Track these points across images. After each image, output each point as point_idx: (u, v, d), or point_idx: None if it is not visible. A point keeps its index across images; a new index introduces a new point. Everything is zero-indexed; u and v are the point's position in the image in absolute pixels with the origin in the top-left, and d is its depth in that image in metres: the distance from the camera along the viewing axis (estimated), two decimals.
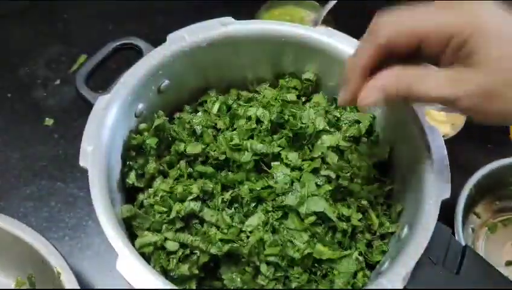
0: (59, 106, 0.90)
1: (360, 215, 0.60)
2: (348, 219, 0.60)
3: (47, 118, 0.88)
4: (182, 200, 0.60)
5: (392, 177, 0.66)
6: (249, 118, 0.66)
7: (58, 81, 0.93)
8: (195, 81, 0.71)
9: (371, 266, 0.60)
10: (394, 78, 0.45)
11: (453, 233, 0.71)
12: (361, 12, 1.01)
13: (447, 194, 0.54)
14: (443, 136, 0.84)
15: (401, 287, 0.49)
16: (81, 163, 0.54)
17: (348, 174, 0.61)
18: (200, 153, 0.63)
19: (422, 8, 0.44)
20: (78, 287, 0.61)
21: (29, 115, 0.90)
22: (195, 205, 0.58)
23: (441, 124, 0.86)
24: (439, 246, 0.54)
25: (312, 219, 0.58)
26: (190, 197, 0.59)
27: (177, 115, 0.70)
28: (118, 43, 0.68)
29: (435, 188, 0.55)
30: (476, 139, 0.88)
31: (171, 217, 0.57)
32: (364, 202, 0.61)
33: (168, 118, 0.68)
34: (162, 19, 1.02)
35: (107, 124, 0.57)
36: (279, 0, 1.00)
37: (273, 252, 0.56)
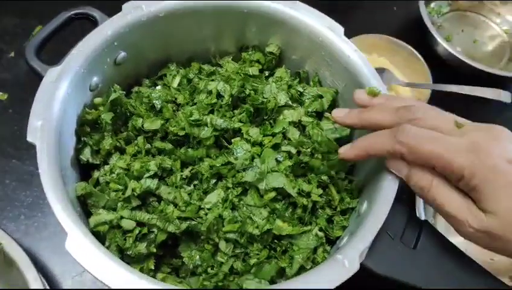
0: (14, 80, 0.86)
1: (321, 191, 0.60)
2: (308, 195, 0.59)
3: (1, 93, 0.84)
4: (139, 178, 0.58)
5: None
6: (210, 93, 0.64)
7: (12, 54, 0.89)
8: (154, 53, 0.68)
9: (332, 241, 0.60)
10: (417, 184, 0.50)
11: (415, 206, 0.72)
12: None
13: None
14: None
15: (358, 263, 0.49)
16: (29, 138, 0.51)
17: (309, 149, 0.60)
18: (159, 129, 0.61)
19: (445, 138, 0.47)
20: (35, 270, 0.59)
21: None
22: (152, 183, 0.56)
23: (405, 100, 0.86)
24: (398, 222, 0.54)
25: (272, 194, 0.57)
26: (147, 175, 0.57)
27: (135, 89, 0.68)
28: (71, 13, 0.64)
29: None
30: None
31: (126, 195, 0.55)
32: (324, 178, 0.60)
33: (125, 92, 0.66)
34: None
35: (58, 97, 0.54)
36: None
37: (232, 229, 0.55)
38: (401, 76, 0.88)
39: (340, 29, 0.63)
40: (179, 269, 0.59)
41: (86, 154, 0.60)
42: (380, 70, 0.86)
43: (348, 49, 0.62)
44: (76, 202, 0.56)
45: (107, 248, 0.55)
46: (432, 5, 1.00)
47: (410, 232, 0.54)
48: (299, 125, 0.64)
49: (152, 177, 0.57)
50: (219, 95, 0.64)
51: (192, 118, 0.61)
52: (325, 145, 0.61)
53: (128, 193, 0.55)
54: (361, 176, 0.63)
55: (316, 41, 0.64)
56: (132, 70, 0.67)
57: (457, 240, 0.78)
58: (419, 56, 0.87)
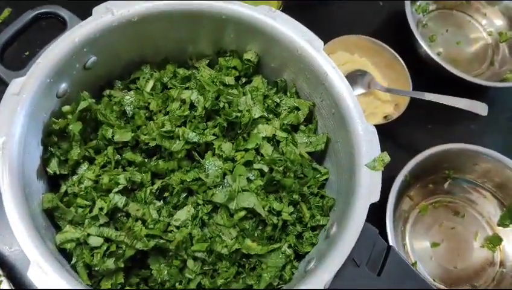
0: None
1: (291, 209, 0.60)
2: (278, 213, 0.59)
3: None
4: (108, 191, 0.57)
5: (328, 167, 0.65)
6: (183, 102, 0.63)
7: None
8: (127, 55, 0.65)
9: (301, 256, 0.61)
10: None
11: (385, 216, 0.73)
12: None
13: (376, 198, 0.54)
14: (386, 116, 0.84)
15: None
16: None
17: (281, 167, 0.59)
18: (130, 140, 0.60)
19: None
20: None
21: None
22: (120, 200, 0.55)
23: (385, 104, 0.86)
24: (365, 247, 0.54)
25: (241, 214, 0.57)
26: (116, 189, 0.56)
27: (106, 92, 0.65)
28: (37, 12, 0.60)
29: (364, 191, 0.54)
30: (418, 121, 0.88)
31: (93, 213, 0.54)
32: (296, 196, 0.60)
33: (96, 96, 0.63)
34: None
35: (21, 111, 0.52)
36: None
37: (201, 249, 0.56)
38: (381, 78, 0.87)
39: (320, 43, 0.61)
40: (147, 279, 0.59)
41: (53, 167, 0.58)
42: (361, 74, 0.85)
43: (327, 65, 0.60)
44: (43, 215, 0.55)
45: (75, 264, 0.54)
46: (418, 2, 0.98)
47: (375, 258, 0.55)
48: (273, 139, 0.63)
49: (121, 192, 0.56)
50: (192, 106, 0.62)
51: (164, 129, 0.60)
52: (297, 163, 0.61)
53: (96, 211, 0.54)
54: (333, 192, 0.63)
55: (295, 53, 0.62)
56: (103, 72, 0.64)
57: (424, 245, 0.81)
58: (401, 60, 0.85)
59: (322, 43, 0.61)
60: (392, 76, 0.87)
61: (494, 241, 0.81)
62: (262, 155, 0.61)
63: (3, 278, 0.60)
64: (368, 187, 0.54)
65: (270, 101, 0.66)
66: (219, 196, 0.56)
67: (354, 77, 0.85)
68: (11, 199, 0.48)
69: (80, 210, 0.55)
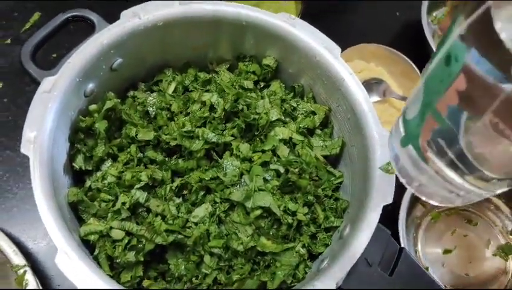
0: (10, 68, 0.85)
1: (306, 210, 0.62)
2: (293, 214, 0.61)
3: None
4: (131, 187, 0.59)
5: (342, 171, 0.67)
6: (204, 104, 0.65)
7: (9, 40, 0.87)
8: (151, 58, 0.68)
9: (314, 256, 0.63)
10: None
11: (398, 222, 0.74)
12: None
13: (389, 199, 0.56)
14: None
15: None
16: (23, 150, 0.52)
17: (297, 169, 0.61)
18: (152, 139, 0.62)
19: None
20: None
21: None
22: (141, 196, 0.58)
23: (399, 112, 0.87)
24: (377, 248, 0.56)
25: (257, 212, 0.59)
26: (138, 185, 0.59)
27: (130, 93, 0.68)
28: (68, 15, 0.63)
29: (378, 193, 0.56)
30: None
31: (116, 207, 0.57)
32: (311, 197, 0.62)
33: (121, 96, 0.66)
34: None
35: (52, 108, 0.55)
36: None
37: (217, 245, 0.57)
38: (397, 86, 0.89)
39: (338, 50, 0.63)
40: (165, 273, 0.61)
41: (79, 162, 0.61)
42: (377, 82, 0.87)
43: (344, 71, 0.62)
44: (68, 207, 0.58)
45: (97, 255, 0.57)
46: (435, 13, 0.99)
47: (387, 259, 0.56)
48: (290, 142, 0.65)
49: (142, 188, 0.59)
50: (212, 108, 0.65)
51: (184, 130, 0.62)
52: (313, 165, 0.62)
53: (118, 206, 0.57)
54: (347, 195, 0.65)
55: (313, 60, 0.64)
56: (129, 74, 0.67)
57: (436, 251, 0.82)
58: (416, 68, 0.87)
59: (340, 50, 0.63)
60: (407, 85, 0.88)
61: (507, 250, 0.81)
62: (278, 157, 0.63)
63: (27, 268, 0.62)
64: (381, 189, 0.56)
65: (287, 105, 0.68)
66: (236, 194, 0.58)
67: (370, 85, 0.86)
68: (40, 191, 0.51)
69: (103, 204, 0.58)
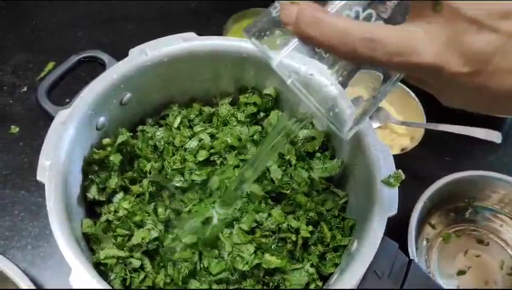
0: (25, 114, 0.89)
1: (311, 228, 0.63)
2: (297, 231, 0.62)
3: (12, 126, 0.88)
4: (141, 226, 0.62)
5: (347, 191, 0.68)
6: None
7: (25, 88, 0.93)
8: (158, 94, 0.72)
9: (325, 278, 0.63)
10: None
11: (407, 243, 0.74)
12: None
13: (393, 211, 0.57)
14: (402, 149, 0.87)
15: None
16: (39, 177, 0.55)
17: (288, 191, 0.64)
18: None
19: None
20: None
21: None
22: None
23: (401, 137, 0.89)
24: (386, 260, 0.56)
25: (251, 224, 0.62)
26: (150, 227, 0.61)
27: (140, 127, 0.72)
28: (81, 56, 0.68)
29: (381, 205, 0.57)
30: (434, 152, 0.91)
31: (135, 242, 0.59)
32: (312, 214, 0.63)
33: (131, 131, 0.69)
34: (130, 27, 1.02)
35: (66, 138, 0.58)
36: (248, 11, 1.00)
37: (220, 269, 0.59)
38: (396, 113, 0.91)
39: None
40: None
41: (93, 192, 0.63)
42: (377, 109, 0.90)
43: (340, 94, 0.64)
44: (81, 237, 0.60)
45: (112, 280, 0.58)
46: None
47: (397, 271, 0.56)
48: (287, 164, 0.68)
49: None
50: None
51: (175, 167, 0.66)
52: (304, 184, 0.65)
53: (138, 240, 0.59)
54: (353, 214, 0.66)
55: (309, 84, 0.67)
56: (137, 110, 0.71)
57: (450, 273, 0.80)
58: (413, 95, 0.90)
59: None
60: (406, 111, 0.91)
61: None
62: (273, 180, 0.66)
63: None
64: (384, 202, 0.57)
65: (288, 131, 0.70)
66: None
67: None
68: (55, 216, 0.53)
69: (119, 239, 0.60)
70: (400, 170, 0.59)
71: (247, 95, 0.74)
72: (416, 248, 0.75)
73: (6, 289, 0.64)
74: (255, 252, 0.60)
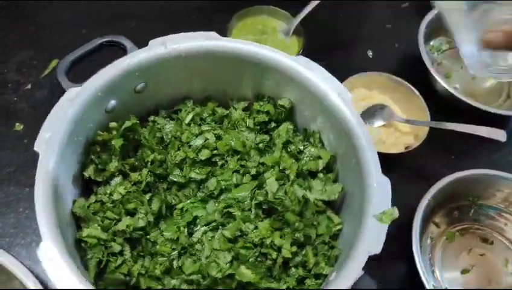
0: (29, 111, 0.88)
1: (294, 248, 0.61)
2: (279, 249, 0.61)
3: (17, 123, 0.86)
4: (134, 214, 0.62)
5: (344, 219, 0.66)
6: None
7: (29, 86, 0.91)
8: (173, 88, 0.72)
9: None
10: None
11: (411, 242, 0.74)
12: (330, 24, 1.07)
13: (377, 249, 0.54)
14: (407, 147, 0.88)
15: None
16: (36, 148, 0.56)
17: (280, 207, 0.63)
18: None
19: None
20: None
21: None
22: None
23: (405, 135, 0.89)
24: None
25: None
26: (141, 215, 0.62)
27: (151, 118, 0.72)
28: (103, 40, 0.70)
29: (366, 242, 0.55)
30: (438, 150, 0.89)
31: (121, 228, 0.59)
32: (298, 235, 0.62)
33: (142, 120, 0.70)
34: (134, 24, 1.01)
35: (71, 114, 0.59)
36: (252, 8, 0.98)
37: (194, 270, 0.59)
38: (400, 112, 0.91)
39: (349, 96, 0.65)
40: None
41: (89, 171, 0.64)
42: (381, 107, 0.91)
43: (352, 119, 0.63)
44: (69, 213, 0.61)
45: (88, 259, 0.58)
46: (432, 42, 1.02)
47: None
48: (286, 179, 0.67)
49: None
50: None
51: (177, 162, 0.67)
52: (295, 203, 0.63)
53: (123, 226, 0.59)
54: (343, 245, 0.63)
55: (325, 104, 0.66)
56: (152, 100, 0.72)
57: (454, 272, 0.80)
58: (418, 93, 0.88)
59: (351, 96, 0.65)
60: (410, 109, 0.89)
61: None
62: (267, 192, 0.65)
63: None
64: (370, 238, 0.55)
65: (293, 146, 0.70)
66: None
67: (374, 110, 0.89)
68: (41, 184, 0.55)
69: (106, 221, 0.61)
70: (394, 207, 0.57)
71: (261, 103, 0.73)
72: (420, 247, 0.74)
73: (11, 289, 0.63)
74: (231, 261, 0.59)
